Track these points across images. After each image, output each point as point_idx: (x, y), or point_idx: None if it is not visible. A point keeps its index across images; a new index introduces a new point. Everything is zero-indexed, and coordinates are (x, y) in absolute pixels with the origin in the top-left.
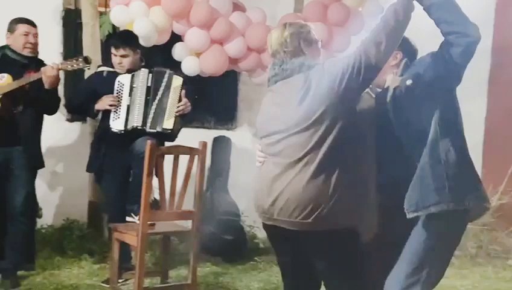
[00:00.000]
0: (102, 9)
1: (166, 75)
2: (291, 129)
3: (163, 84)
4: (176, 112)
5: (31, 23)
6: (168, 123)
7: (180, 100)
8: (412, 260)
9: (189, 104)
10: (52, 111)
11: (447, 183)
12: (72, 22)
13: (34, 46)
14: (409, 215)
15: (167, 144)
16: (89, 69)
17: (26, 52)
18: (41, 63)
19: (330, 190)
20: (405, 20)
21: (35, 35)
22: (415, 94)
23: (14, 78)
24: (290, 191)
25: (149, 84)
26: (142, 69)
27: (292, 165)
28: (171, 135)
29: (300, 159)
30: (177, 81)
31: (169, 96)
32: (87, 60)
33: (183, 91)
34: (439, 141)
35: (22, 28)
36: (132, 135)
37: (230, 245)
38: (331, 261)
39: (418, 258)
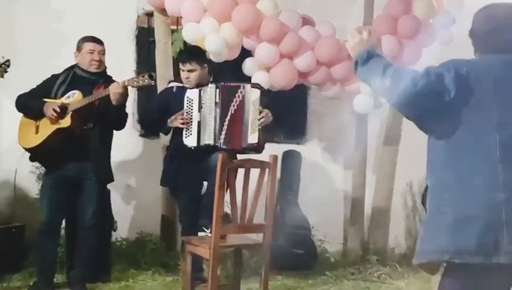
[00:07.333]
0: (174, 27)
1: (241, 90)
2: None
3: (239, 99)
4: (259, 125)
5: (96, 41)
6: (253, 138)
7: (260, 112)
8: None
9: (269, 114)
10: (120, 127)
11: None
12: (145, 40)
13: (100, 63)
14: None
15: (243, 155)
16: (153, 84)
17: (93, 69)
18: (109, 79)
19: None
20: None
21: (101, 53)
22: None
23: (84, 95)
24: None
25: (217, 100)
26: (210, 84)
27: None
28: (258, 147)
29: None
30: (255, 94)
31: (250, 110)
32: (151, 77)
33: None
34: None
35: (87, 46)
36: (208, 149)
37: (301, 259)
38: None
39: None
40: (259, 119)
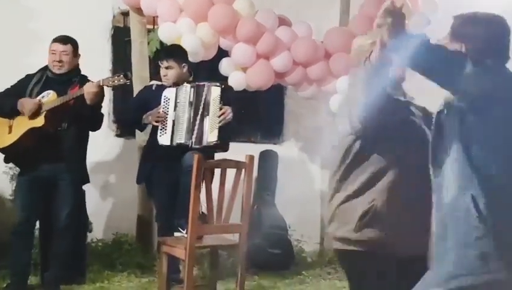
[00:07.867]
0: (150, 26)
1: (205, 88)
2: None
3: (203, 98)
4: (218, 123)
5: (60, 41)
6: (212, 136)
7: (220, 109)
8: None
9: (229, 111)
10: (95, 127)
11: None
12: (121, 39)
13: (62, 64)
14: None
15: (220, 155)
16: (128, 84)
17: (55, 70)
18: (85, 79)
19: None
20: None
21: (64, 53)
22: None
23: (59, 95)
24: None
25: (191, 100)
26: (185, 84)
27: None
28: (221, 146)
29: None
30: (216, 91)
31: (210, 108)
32: (127, 77)
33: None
34: None
35: (52, 46)
36: (182, 148)
37: (278, 259)
38: None
39: None
40: (218, 116)
